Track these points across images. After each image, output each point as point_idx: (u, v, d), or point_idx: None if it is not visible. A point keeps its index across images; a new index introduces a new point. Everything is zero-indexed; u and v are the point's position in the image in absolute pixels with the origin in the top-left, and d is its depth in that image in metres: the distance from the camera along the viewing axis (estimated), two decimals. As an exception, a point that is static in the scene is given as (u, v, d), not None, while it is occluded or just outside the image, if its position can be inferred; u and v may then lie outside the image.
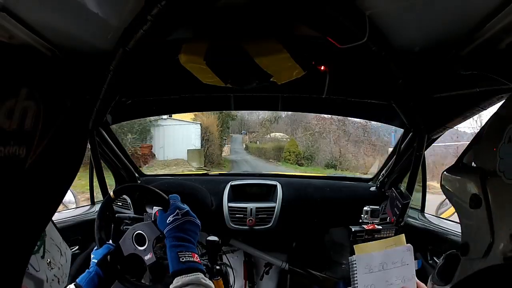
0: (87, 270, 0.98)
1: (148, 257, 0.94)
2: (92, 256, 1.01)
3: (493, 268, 0.42)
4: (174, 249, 0.80)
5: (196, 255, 0.82)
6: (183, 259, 0.78)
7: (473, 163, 0.54)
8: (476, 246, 0.50)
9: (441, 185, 0.62)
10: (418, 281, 0.72)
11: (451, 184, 0.58)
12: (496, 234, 0.44)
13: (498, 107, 0.56)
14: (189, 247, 0.82)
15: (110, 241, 1.05)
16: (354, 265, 0.70)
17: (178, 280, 0.73)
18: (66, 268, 0.57)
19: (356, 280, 0.70)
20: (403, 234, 0.74)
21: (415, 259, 0.73)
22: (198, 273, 0.76)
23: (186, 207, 0.89)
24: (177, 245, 0.81)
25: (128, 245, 0.97)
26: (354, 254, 0.73)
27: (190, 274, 0.75)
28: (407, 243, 0.76)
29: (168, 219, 0.85)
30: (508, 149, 0.43)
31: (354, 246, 0.75)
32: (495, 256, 0.44)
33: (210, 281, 0.76)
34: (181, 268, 0.77)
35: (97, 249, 1.03)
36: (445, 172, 0.60)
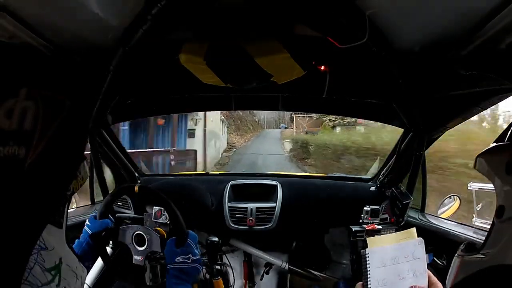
0: (77, 240, 1.00)
1: (137, 258, 0.95)
2: (86, 222, 1.03)
3: (492, 268, 0.42)
4: (174, 286, 0.87)
5: None
6: None
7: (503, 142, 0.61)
8: (510, 207, 0.58)
9: (477, 167, 0.67)
10: (430, 273, 0.71)
11: (486, 162, 0.63)
12: None
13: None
14: (185, 284, 0.89)
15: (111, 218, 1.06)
16: (367, 259, 0.68)
17: None
18: None
19: (369, 274, 0.68)
20: (414, 228, 0.73)
21: (427, 252, 0.73)
22: None
23: (197, 254, 0.94)
24: (176, 283, 0.88)
25: (126, 237, 0.97)
26: (367, 241, 0.72)
27: None
28: None
29: (178, 258, 0.90)
30: None
31: (367, 239, 0.74)
32: None
33: None
34: None
35: (95, 218, 1.04)
36: (479, 157, 0.65)
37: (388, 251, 0.69)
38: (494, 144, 0.64)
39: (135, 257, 0.96)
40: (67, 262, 0.50)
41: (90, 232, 1.00)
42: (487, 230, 0.63)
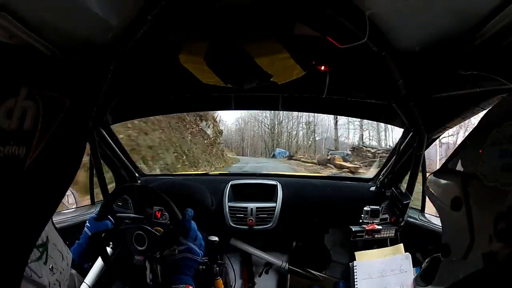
0: (77, 241, 1.00)
1: (138, 258, 0.95)
2: (86, 224, 1.03)
3: (478, 273, 0.42)
4: (170, 282, 0.88)
5: (190, 286, 0.88)
6: None
7: (457, 167, 0.55)
8: (457, 248, 0.51)
9: (426, 188, 0.63)
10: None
11: (435, 187, 0.58)
12: (476, 236, 0.45)
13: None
14: (183, 279, 0.89)
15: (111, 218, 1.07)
16: (355, 271, 0.71)
17: None
18: (67, 272, 0.58)
19: (357, 285, 0.71)
20: (402, 244, 0.76)
21: (414, 263, 0.75)
22: None
23: (186, 244, 0.93)
24: (173, 277, 0.88)
25: (127, 237, 0.97)
26: (355, 260, 0.75)
27: None
28: (407, 243, 0.77)
29: (165, 252, 0.91)
30: (491, 153, 0.44)
31: (355, 253, 0.78)
32: (475, 256, 0.44)
33: None
34: None
35: (95, 219, 1.04)
36: (431, 176, 0.60)
37: (375, 265, 0.73)
38: (446, 166, 0.58)
39: (136, 257, 0.96)
40: (53, 241, 0.52)
41: (90, 233, 1.00)
42: None
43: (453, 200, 0.50)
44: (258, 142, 24.72)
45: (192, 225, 0.97)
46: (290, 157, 18.58)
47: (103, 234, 0.98)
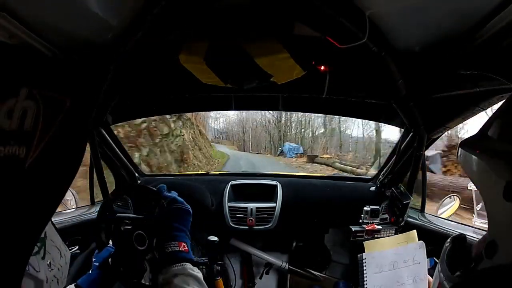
0: (88, 272, 0.99)
1: (149, 256, 0.94)
2: (93, 259, 1.02)
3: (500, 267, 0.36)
4: (161, 241, 0.77)
5: (183, 244, 0.76)
6: (168, 249, 0.74)
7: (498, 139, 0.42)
8: (507, 247, 0.40)
9: (461, 163, 0.48)
10: (430, 279, 0.67)
11: (476, 165, 0.44)
12: None
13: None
14: (175, 237, 0.77)
15: (111, 243, 1.05)
16: (364, 264, 0.65)
17: (164, 271, 0.70)
18: (65, 269, 0.58)
19: (366, 280, 0.65)
20: (415, 230, 0.69)
21: (428, 256, 0.69)
22: (185, 263, 0.71)
23: (172, 195, 0.85)
24: (163, 238, 0.77)
25: (129, 246, 0.97)
26: (364, 252, 0.68)
27: (176, 265, 0.71)
28: None
29: (156, 211, 0.82)
30: None
31: (364, 243, 0.70)
32: None
33: (199, 271, 0.72)
34: (165, 259, 0.73)
35: (98, 252, 1.03)
36: (463, 150, 0.46)
37: (386, 256, 0.65)
38: (487, 135, 0.43)
39: (147, 258, 0.95)
40: (51, 238, 0.53)
41: (97, 264, 0.99)
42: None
43: (508, 186, 0.37)
44: (262, 134, 20.09)
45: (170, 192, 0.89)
46: (311, 159, 13.09)
47: (109, 259, 0.98)
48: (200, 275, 0.71)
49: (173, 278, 0.68)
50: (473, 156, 0.45)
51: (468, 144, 0.46)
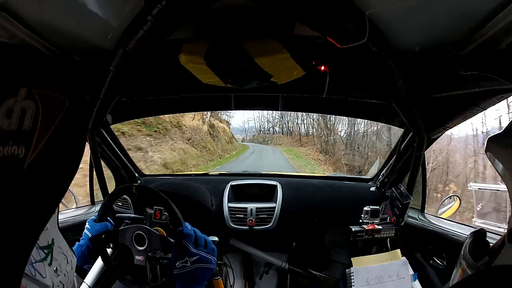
0: (77, 243, 1.00)
1: (139, 258, 0.95)
2: (86, 225, 1.03)
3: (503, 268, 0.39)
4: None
5: None
6: None
7: None
8: None
9: (488, 154, 0.54)
10: None
11: (502, 156, 0.50)
12: None
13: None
14: (196, 286, 0.86)
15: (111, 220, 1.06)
16: (352, 277, 0.70)
17: None
18: (71, 275, 0.59)
19: None
20: (399, 250, 0.74)
21: (414, 264, 0.73)
22: None
23: (199, 253, 0.88)
24: (185, 286, 0.85)
25: (126, 238, 0.97)
26: (352, 261, 0.74)
27: None
28: (407, 243, 0.76)
29: (177, 264, 0.86)
30: None
31: (351, 258, 0.76)
32: None
33: None
34: None
35: (95, 221, 1.04)
36: (492, 141, 0.52)
37: (372, 271, 0.71)
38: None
39: (136, 257, 0.96)
40: (58, 244, 0.54)
41: (90, 235, 1.00)
42: (488, 231, 0.62)
43: None
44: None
45: (198, 233, 0.93)
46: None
47: (103, 236, 0.98)
48: None
49: None
50: (502, 150, 0.50)
51: (497, 139, 0.52)
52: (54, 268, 0.52)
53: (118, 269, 1.00)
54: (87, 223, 1.04)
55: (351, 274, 0.70)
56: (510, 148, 0.49)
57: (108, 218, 1.07)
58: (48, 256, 0.51)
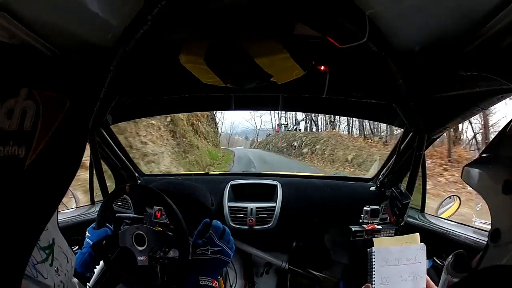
0: (79, 251, 1.00)
1: (141, 258, 0.95)
2: (87, 233, 1.04)
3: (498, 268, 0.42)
4: (196, 274, 0.89)
5: (216, 282, 0.90)
6: (202, 282, 0.87)
7: (501, 153, 0.57)
8: (509, 231, 0.53)
9: (464, 178, 0.65)
10: (428, 279, 0.74)
11: (477, 175, 0.60)
12: None
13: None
14: (210, 274, 0.90)
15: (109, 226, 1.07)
16: (373, 257, 0.73)
17: None
18: (71, 274, 0.61)
19: (374, 271, 0.73)
20: (418, 234, 0.77)
21: (427, 257, 0.76)
22: None
23: (219, 246, 0.94)
24: (199, 271, 0.89)
25: (127, 239, 0.97)
26: (374, 241, 0.78)
27: None
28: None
29: (198, 250, 0.92)
30: None
31: (373, 239, 0.79)
32: None
33: None
34: None
35: (94, 228, 1.04)
36: (466, 167, 0.63)
37: (392, 252, 0.74)
38: (486, 154, 0.61)
39: (139, 258, 0.96)
40: (59, 244, 0.54)
41: (91, 242, 1.00)
42: (487, 230, 0.63)
43: (505, 183, 0.52)
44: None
45: (226, 229, 0.99)
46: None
47: (104, 242, 0.98)
48: None
49: None
50: (476, 170, 0.60)
51: (471, 164, 0.62)
52: (55, 268, 0.52)
53: (119, 270, 1.00)
54: (87, 232, 1.05)
55: (373, 253, 0.74)
56: (483, 165, 0.59)
57: (107, 224, 1.08)
58: (49, 256, 0.51)
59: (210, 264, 0.92)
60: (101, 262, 1.02)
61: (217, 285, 0.89)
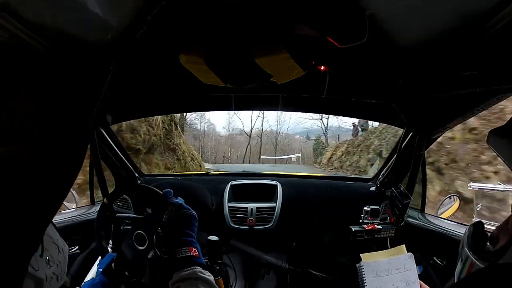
0: (92, 277, 1.00)
1: (151, 254, 0.95)
2: (97, 267, 1.03)
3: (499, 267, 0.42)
4: (171, 247, 0.79)
5: (194, 249, 0.79)
6: (179, 255, 0.77)
7: None
8: None
9: (491, 147, 0.61)
10: (422, 283, 0.77)
11: (504, 144, 0.57)
12: None
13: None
14: (185, 242, 0.80)
15: (110, 249, 1.06)
16: (363, 270, 0.76)
17: (175, 276, 0.73)
18: (64, 265, 0.57)
19: (366, 283, 0.77)
20: (404, 245, 0.81)
21: (417, 264, 0.80)
22: (195, 267, 0.74)
23: (179, 201, 0.88)
24: (173, 244, 0.80)
25: (130, 248, 0.97)
26: (360, 260, 0.81)
27: (186, 269, 0.73)
28: (407, 243, 0.81)
29: (164, 217, 0.85)
30: None
31: (361, 255, 0.82)
32: None
33: (210, 274, 0.74)
34: (176, 264, 0.75)
35: (101, 259, 1.04)
36: (493, 135, 0.59)
37: (380, 264, 0.79)
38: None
39: (149, 256, 0.96)
40: (48, 233, 0.52)
41: (101, 270, 1.00)
42: (488, 230, 0.63)
43: None
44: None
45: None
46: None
47: (112, 264, 0.98)
48: (211, 278, 0.73)
49: (181, 283, 0.70)
50: (505, 140, 0.57)
51: (499, 132, 0.58)
52: (46, 259, 0.50)
53: (122, 271, 1.00)
54: (96, 266, 1.04)
55: (362, 268, 0.78)
56: (508, 140, 0.55)
57: (109, 248, 1.07)
58: (39, 246, 0.48)
59: (182, 221, 0.83)
60: (94, 268, 1.01)
61: (196, 253, 0.78)
